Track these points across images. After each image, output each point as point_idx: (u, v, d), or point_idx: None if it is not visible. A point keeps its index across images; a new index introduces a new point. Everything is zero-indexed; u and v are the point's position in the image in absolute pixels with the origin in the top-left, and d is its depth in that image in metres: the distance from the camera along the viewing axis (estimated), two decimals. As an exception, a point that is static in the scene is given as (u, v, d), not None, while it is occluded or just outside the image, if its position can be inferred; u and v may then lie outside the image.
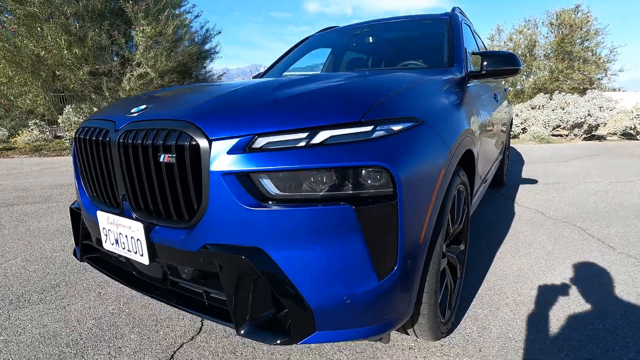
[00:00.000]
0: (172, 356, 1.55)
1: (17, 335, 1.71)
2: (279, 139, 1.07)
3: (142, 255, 1.27)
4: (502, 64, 2.12)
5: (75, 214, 1.69)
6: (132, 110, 1.33)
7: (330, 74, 1.71)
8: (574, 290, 2.03)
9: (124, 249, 1.33)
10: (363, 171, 1.06)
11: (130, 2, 7.93)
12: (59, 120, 10.64)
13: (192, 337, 1.68)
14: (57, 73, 7.98)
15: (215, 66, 12.63)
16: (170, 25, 8.95)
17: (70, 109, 10.23)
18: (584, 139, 10.10)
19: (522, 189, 4.48)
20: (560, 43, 16.90)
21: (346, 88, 1.27)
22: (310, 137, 1.06)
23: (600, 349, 1.55)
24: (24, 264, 2.49)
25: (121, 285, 2.17)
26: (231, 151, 1.07)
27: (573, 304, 1.90)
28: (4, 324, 1.80)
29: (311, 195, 1.06)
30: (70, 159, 8.14)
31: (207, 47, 11.90)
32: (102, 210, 1.41)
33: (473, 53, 2.47)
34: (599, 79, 17.42)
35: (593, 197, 4.00)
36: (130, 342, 1.65)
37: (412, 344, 1.60)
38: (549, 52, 17.73)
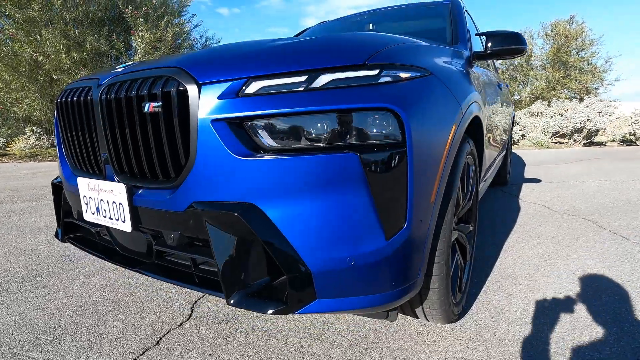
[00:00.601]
0: (158, 342, 1.41)
1: (-10, 323, 1.57)
2: (275, 83, 0.97)
3: (124, 221, 1.15)
4: (507, 43, 2.04)
5: (57, 188, 1.58)
6: (118, 67, 1.24)
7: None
8: (591, 278, 1.90)
9: (105, 217, 1.22)
10: (368, 117, 0.96)
11: (130, 7, 7.95)
12: (56, 128, 10.55)
13: (181, 324, 1.54)
14: (55, 77, 7.92)
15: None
16: (170, 31, 8.96)
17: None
18: (584, 144, 10.05)
19: (526, 187, 4.37)
20: (556, 53, 17.06)
21: (348, 37, 1.18)
22: (310, 80, 0.96)
23: (627, 334, 1.42)
24: (7, 256, 2.35)
25: (107, 275, 2.05)
26: (222, 96, 0.97)
27: (592, 289, 1.77)
28: (-23, 312, 1.66)
29: (309, 144, 0.95)
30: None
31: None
32: (82, 177, 1.29)
33: (477, 34, 2.40)
34: (595, 88, 17.52)
35: (599, 194, 3.90)
36: (113, 329, 1.51)
37: (420, 329, 1.46)
38: (545, 62, 17.89)
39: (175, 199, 1.04)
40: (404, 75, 1.04)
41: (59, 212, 1.60)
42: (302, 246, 0.95)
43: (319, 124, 0.95)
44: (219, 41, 12.67)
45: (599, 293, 1.74)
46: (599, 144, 10.26)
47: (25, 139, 10.83)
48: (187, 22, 11.44)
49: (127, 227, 1.15)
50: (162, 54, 8.59)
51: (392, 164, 0.95)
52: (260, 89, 0.97)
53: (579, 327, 1.46)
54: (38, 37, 7.73)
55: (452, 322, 1.47)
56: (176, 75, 1.01)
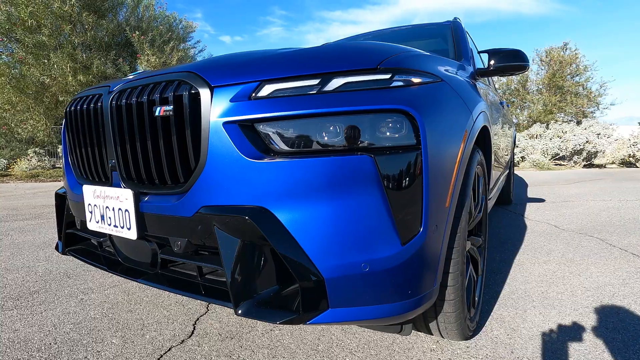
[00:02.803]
0: (158, 360, 1.34)
1: (-17, 340, 1.50)
2: (287, 86, 0.97)
3: (129, 228, 1.12)
4: (510, 60, 2.07)
5: (60, 198, 1.55)
6: (130, 75, 1.24)
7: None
8: (606, 295, 1.84)
9: (109, 224, 1.18)
10: (382, 120, 0.95)
11: (137, 32, 8.18)
12: (58, 150, 10.63)
13: (183, 341, 1.47)
14: (61, 99, 8.06)
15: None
16: (175, 56, 9.19)
17: (71, 138, 10.26)
18: (584, 166, 10.09)
19: (530, 206, 4.34)
20: (551, 78, 17.46)
21: (360, 43, 1.19)
22: (323, 83, 0.96)
23: (649, 350, 1.35)
24: (3, 273, 2.29)
25: (106, 291, 1.98)
26: (235, 98, 0.96)
27: (609, 306, 1.71)
28: (-30, 328, 1.59)
29: (323, 147, 0.94)
30: (66, 184, 8.01)
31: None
32: (88, 184, 1.27)
33: (480, 52, 2.45)
34: (591, 112, 17.82)
35: (605, 213, 3.86)
36: (111, 346, 1.44)
37: (434, 346, 1.40)
38: (540, 86, 18.28)
39: (183, 204, 1.01)
40: (415, 80, 1.04)
41: (60, 223, 1.56)
42: (314, 251, 0.91)
43: (331, 127, 0.94)
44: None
45: (616, 309, 1.68)
46: (599, 166, 10.31)
47: (28, 160, 10.90)
48: (192, 48, 11.75)
49: (132, 234, 1.12)
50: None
51: (408, 166, 0.93)
52: (272, 92, 0.97)
53: (599, 345, 1.39)
54: (46, 60, 7.91)
55: (467, 339, 1.40)
56: (188, 79, 1.01)
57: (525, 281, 2.04)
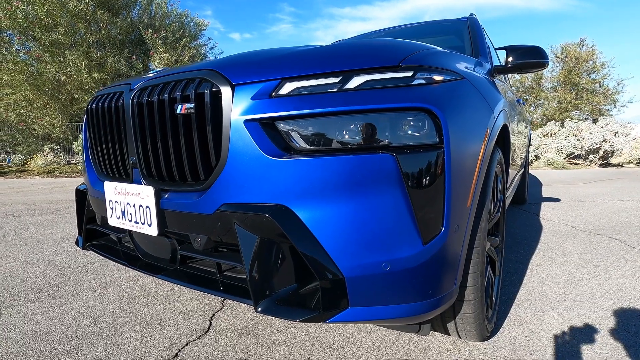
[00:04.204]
0: (176, 355, 1.36)
1: (7, 332, 1.54)
2: (308, 84, 0.96)
3: (150, 224, 1.13)
4: (529, 57, 2.03)
5: (81, 194, 1.58)
6: (150, 73, 1.25)
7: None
8: (627, 297, 1.80)
9: (130, 220, 1.20)
10: (405, 118, 0.94)
11: (150, 30, 8.27)
12: (74, 147, 10.84)
13: (200, 336, 1.49)
14: (76, 96, 8.21)
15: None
16: (187, 53, 9.27)
17: (86, 134, 10.44)
18: (600, 165, 9.87)
19: (545, 206, 4.26)
20: (567, 75, 17.10)
21: (381, 41, 1.18)
22: (344, 81, 0.95)
23: (674, 354, 1.32)
24: (24, 266, 2.35)
25: (124, 286, 2.02)
26: (256, 96, 0.96)
27: (630, 309, 1.67)
28: (-6, 320, 1.64)
29: (344, 145, 0.94)
30: (80, 179, 8.16)
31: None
32: (109, 180, 1.29)
33: (497, 48, 2.41)
34: (608, 110, 17.41)
35: (623, 213, 3.77)
36: (130, 340, 1.46)
37: (450, 346, 1.39)
38: (555, 84, 17.92)
39: (204, 201, 1.02)
40: (437, 77, 1.02)
41: (81, 219, 1.59)
42: (335, 250, 0.91)
43: (353, 125, 0.94)
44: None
45: (638, 313, 1.64)
46: (616, 165, 10.07)
47: (44, 156, 11.15)
48: (203, 45, 11.82)
49: (153, 230, 1.13)
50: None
51: (430, 165, 0.92)
52: (293, 89, 0.97)
53: (620, 349, 1.36)
54: (62, 58, 8.06)
55: (484, 340, 1.39)
56: (210, 77, 1.01)
57: (542, 282, 2.01)
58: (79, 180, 7.91)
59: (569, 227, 3.22)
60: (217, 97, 1.00)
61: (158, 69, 1.26)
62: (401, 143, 0.93)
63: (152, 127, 1.13)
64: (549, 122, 13.04)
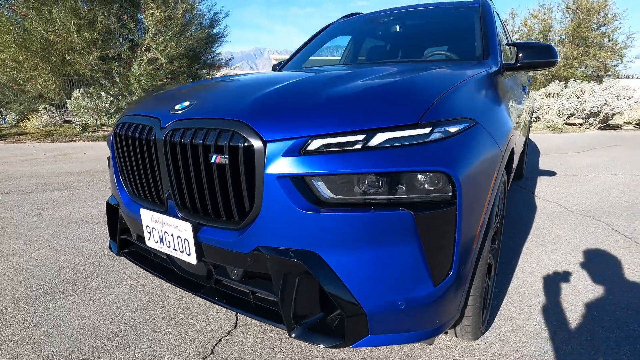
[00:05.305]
0: (212, 351, 1.57)
1: (58, 327, 1.74)
2: (334, 141, 1.05)
3: (189, 254, 1.27)
4: (539, 56, 2.05)
5: (112, 209, 1.69)
6: (176, 107, 1.31)
7: (374, 69, 1.66)
8: (607, 290, 2.01)
9: (169, 247, 1.34)
10: (421, 175, 1.04)
11: (140, -16, 7.78)
12: (68, 105, 10.63)
13: (229, 332, 1.70)
14: (68, 58, 7.91)
15: (220, 49, 12.44)
16: (180, 8, 8.78)
17: (79, 94, 10.20)
18: (599, 128, 9.92)
19: (541, 181, 4.42)
20: (576, 28, 16.40)
21: (399, 87, 1.24)
22: (367, 139, 1.04)
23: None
24: (53, 254, 2.52)
25: (151, 277, 2.20)
26: (286, 153, 1.05)
27: (609, 302, 1.89)
28: (43, 314, 1.84)
29: (367, 199, 1.05)
30: (80, 144, 8.16)
31: (215, 30, 11.71)
32: (145, 208, 1.40)
33: (507, 44, 2.39)
34: (614, 65, 16.96)
35: (614, 191, 3.95)
36: (169, 336, 1.67)
37: (449, 343, 1.61)
38: (563, 37, 17.24)
39: (241, 242, 1.15)
40: (453, 129, 1.11)
41: (114, 230, 1.72)
42: (358, 291, 1.06)
43: (376, 181, 1.04)
44: (227, 15, 12.34)
45: (613, 307, 1.86)
46: (614, 127, 10.12)
47: (39, 116, 10.97)
48: (197, -4, 11.10)
49: (192, 259, 1.27)
50: (173, 33, 8.46)
51: (443, 219, 1.04)
52: (320, 146, 1.05)
53: (595, 343, 1.59)
54: (48, 14, 7.64)
55: (478, 338, 1.60)
56: (242, 131, 1.09)
57: (532, 272, 2.22)
58: (80, 146, 7.91)
59: (561, 208, 3.40)
60: (249, 151, 1.08)
61: (185, 104, 1.31)
62: (418, 199, 1.04)
63: (186, 167, 1.21)
64: (553, 82, 12.80)
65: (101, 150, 7.27)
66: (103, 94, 9.63)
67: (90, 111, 9.89)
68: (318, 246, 1.06)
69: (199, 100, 1.33)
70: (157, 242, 1.38)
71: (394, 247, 1.04)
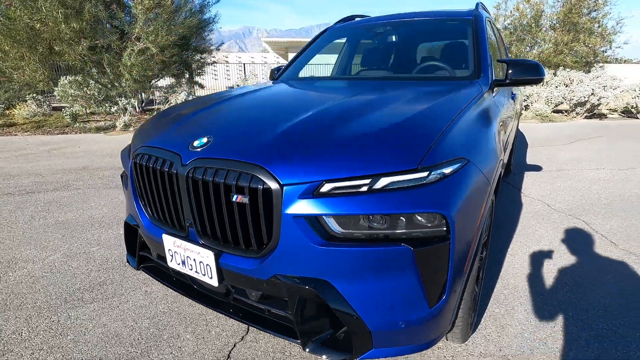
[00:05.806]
0: (229, 356, 1.74)
1: (83, 335, 1.88)
2: (344, 184, 1.19)
3: (211, 278, 1.42)
4: (527, 74, 2.19)
5: (130, 228, 1.81)
6: (195, 145, 1.42)
7: (375, 100, 1.79)
8: (582, 290, 2.23)
9: (191, 269, 1.48)
10: (420, 216, 1.19)
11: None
12: (55, 93, 10.44)
13: (242, 337, 1.87)
14: (56, 48, 7.75)
15: (211, 36, 12.25)
16: (169, -6, 8.62)
17: (67, 82, 10.00)
18: (585, 117, 10.19)
19: (528, 177, 4.64)
20: (567, 14, 16.47)
21: (401, 130, 1.36)
22: (372, 183, 1.18)
23: (608, 344, 1.77)
24: (65, 260, 2.64)
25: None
26: (302, 196, 1.19)
27: (584, 301, 2.10)
28: (67, 323, 1.98)
29: (372, 235, 1.20)
30: (72, 137, 8.10)
31: (206, 16, 11.49)
32: (167, 233, 1.53)
33: (498, 61, 2.52)
34: (603, 51, 17.19)
35: (595, 187, 4.19)
36: (188, 342, 1.83)
37: (440, 344, 1.80)
38: (554, 22, 17.31)
39: (260, 270, 1.30)
40: (447, 171, 1.25)
41: (133, 248, 1.85)
42: (364, 313, 1.23)
43: (380, 220, 1.19)
44: (218, 0, 12.08)
45: (587, 306, 2.07)
46: (600, 116, 10.40)
47: (27, 106, 10.76)
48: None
49: (213, 282, 1.42)
50: (163, 21, 8.31)
51: (438, 253, 1.20)
52: (332, 189, 1.19)
53: (568, 341, 1.80)
54: (33, 2, 7.44)
55: (466, 341, 1.80)
56: (260, 174, 1.22)
57: (515, 274, 2.43)
58: (72, 139, 7.86)
59: (545, 206, 3.62)
60: (268, 193, 1.21)
61: (202, 140, 1.42)
62: (416, 233, 1.20)
63: (207, 201, 1.34)
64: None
65: (94, 144, 7.25)
66: (92, 82, 9.48)
67: (78, 99, 9.75)
68: (329, 275, 1.22)
69: (216, 135, 1.44)
70: (179, 264, 1.52)
71: (395, 276, 1.20)
